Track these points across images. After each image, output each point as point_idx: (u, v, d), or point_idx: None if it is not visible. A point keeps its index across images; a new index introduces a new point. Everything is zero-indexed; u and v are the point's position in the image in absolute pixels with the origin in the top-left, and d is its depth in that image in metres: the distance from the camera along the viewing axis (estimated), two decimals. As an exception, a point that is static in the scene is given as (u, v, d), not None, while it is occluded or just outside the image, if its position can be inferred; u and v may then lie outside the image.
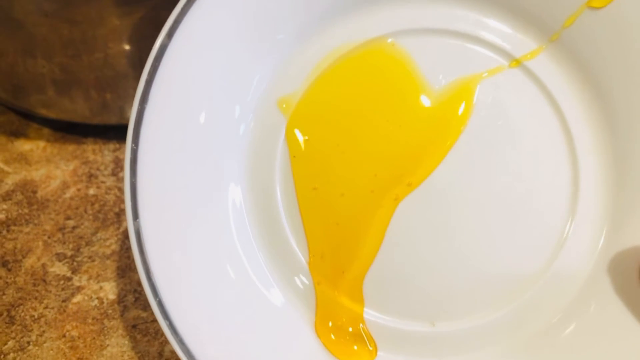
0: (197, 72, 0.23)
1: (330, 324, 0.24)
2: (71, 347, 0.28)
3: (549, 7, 0.24)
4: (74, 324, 0.29)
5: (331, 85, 0.25)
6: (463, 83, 0.25)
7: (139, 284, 0.30)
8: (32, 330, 0.29)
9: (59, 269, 0.31)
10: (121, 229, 0.32)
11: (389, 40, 0.25)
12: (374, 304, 0.24)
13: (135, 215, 0.21)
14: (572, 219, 0.24)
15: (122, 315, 0.29)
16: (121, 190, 0.33)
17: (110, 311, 0.29)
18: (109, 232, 0.32)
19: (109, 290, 0.30)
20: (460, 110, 0.24)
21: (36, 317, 0.29)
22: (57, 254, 0.31)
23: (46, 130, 0.36)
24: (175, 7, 0.22)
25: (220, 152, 0.24)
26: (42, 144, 0.35)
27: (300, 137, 0.25)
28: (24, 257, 0.31)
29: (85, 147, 0.35)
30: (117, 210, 0.33)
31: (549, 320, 0.24)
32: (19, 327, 0.29)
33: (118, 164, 0.34)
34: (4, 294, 0.30)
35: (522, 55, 0.25)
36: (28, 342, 0.28)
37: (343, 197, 0.24)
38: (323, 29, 0.25)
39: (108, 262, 0.31)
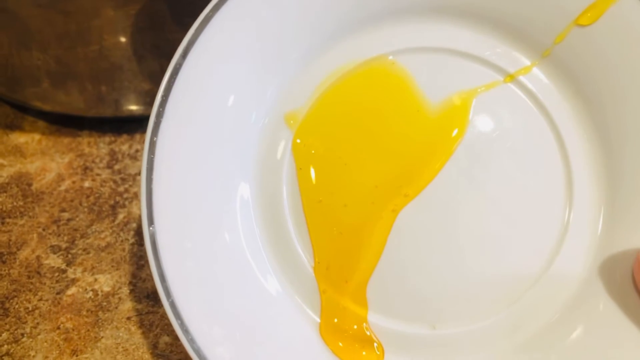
0: (209, 89, 0.24)
1: (335, 320, 0.25)
2: (65, 339, 0.28)
3: (540, 25, 0.25)
4: (69, 316, 0.29)
5: (335, 101, 0.26)
6: (460, 98, 0.26)
7: (134, 276, 0.30)
8: (26, 322, 0.29)
9: (54, 261, 0.31)
10: (116, 222, 0.32)
11: (390, 58, 0.26)
12: (376, 307, 0.25)
13: (151, 221, 0.22)
14: (566, 225, 0.25)
15: (116, 308, 0.29)
16: (116, 182, 0.33)
17: (104, 303, 0.29)
18: (104, 224, 0.32)
19: (104, 282, 0.30)
20: (458, 124, 0.26)
21: (30, 309, 0.29)
22: (52, 246, 0.31)
23: (41, 123, 0.36)
24: (190, 29, 0.23)
25: (231, 164, 0.25)
26: (37, 136, 0.35)
27: (305, 151, 0.26)
28: (18, 250, 0.31)
29: (80, 139, 0.35)
30: (112, 202, 0.33)
31: (547, 321, 0.24)
32: (13, 319, 0.29)
33: (113, 156, 0.34)
34: (-2, 286, 0.30)
35: (516, 70, 0.26)
36: (22, 334, 0.28)
37: (346, 208, 0.25)
38: (328, 48, 0.26)
39: (103, 254, 0.31)
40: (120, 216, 0.32)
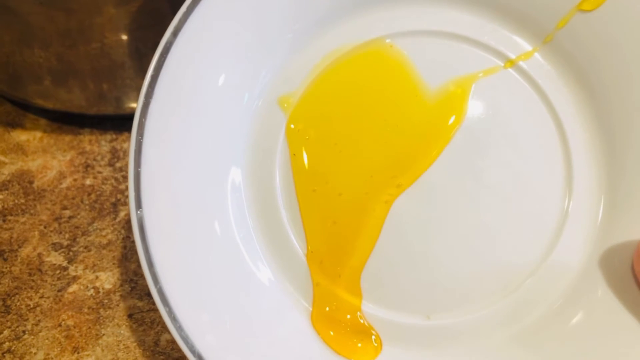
0: (200, 69, 0.23)
1: (327, 309, 0.25)
2: (67, 336, 0.28)
3: (542, 10, 0.25)
4: (70, 314, 0.29)
5: (331, 85, 0.25)
6: (459, 83, 0.25)
7: (135, 273, 0.30)
8: (27, 319, 0.29)
9: (55, 258, 0.31)
10: (117, 219, 0.32)
11: (388, 41, 0.25)
12: (370, 297, 0.25)
13: (139, 205, 0.22)
14: (565, 213, 0.25)
15: (117, 305, 0.29)
16: (118, 180, 0.33)
17: (106, 301, 0.29)
18: (105, 222, 0.32)
19: (105, 280, 0.30)
20: (456, 109, 0.25)
21: (32, 306, 0.29)
22: (53, 244, 0.31)
23: (43, 121, 0.36)
24: (181, 7, 0.22)
25: (222, 148, 0.25)
26: (38, 134, 0.35)
27: (299, 136, 0.25)
28: (20, 247, 0.31)
29: (81, 137, 0.35)
30: (113, 200, 0.33)
31: (544, 312, 0.24)
32: (15, 316, 0.29)
33: (115, 154, 0.34)
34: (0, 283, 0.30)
35: (517, 56, 0.25)
36: (24, 331, 0.28)
37: (341, 197, 0.25)
38: (325, 30, 0.25)
39: (104, 252, 0.31)
40: (122, 214, 0.32)
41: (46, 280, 0.30)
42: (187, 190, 0.23)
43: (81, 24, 0.30)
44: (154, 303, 0.29)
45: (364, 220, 0.25)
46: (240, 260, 0.24)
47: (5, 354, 0.28)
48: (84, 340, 0.28)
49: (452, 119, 0.25)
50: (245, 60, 0.24)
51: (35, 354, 0.28)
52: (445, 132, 0.25)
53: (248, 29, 0.24)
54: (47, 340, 0.28)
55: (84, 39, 0.31)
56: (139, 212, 0.22)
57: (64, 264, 0.30)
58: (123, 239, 0.31)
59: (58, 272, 0.30)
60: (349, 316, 0.24)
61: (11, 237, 0.31)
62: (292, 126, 0.25)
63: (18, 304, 0.29)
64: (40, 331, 0.28)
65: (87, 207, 0.32)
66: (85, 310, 0.29)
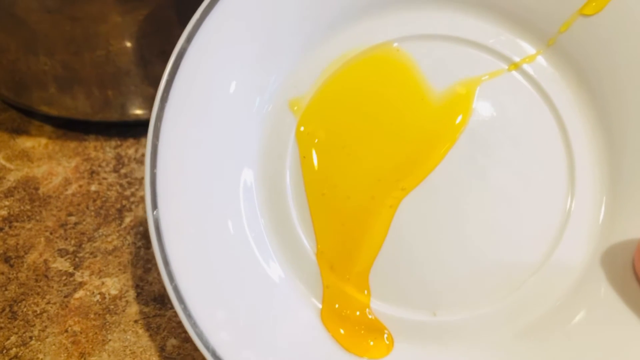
0: (213, 74, 0.24)
1: (336, 306, 0.25)
2: (73, 342, 0.28)
3: (545, 15, 0.25)
4: (76, 319, 0.29)
5: (339, 88, 0.26)
6: (464, 85, 0.26)
7: (141, 279, 0.30)
8: (34, 325, 0.29)
9: (61, 264, 0.31)
10: (123, 225, 0.32)
11: (395, 45, 0.26)
12: (378, 295, 0.25)
13: (155, 206, 0.22)
14: (568, 212, 0.25)
15: (124, 311, 0.29)
16: (123, 186, 0.33)
17: (112, 306, 0.29)
18: (110, 228, 0.32)
19: (111, 285, 0.30)
20: (461, 112, 0.26)
21: (38, 312, 0.29)
22: (59, 250, 0.31)
23: (48, 128, 0.36)
24: (195, 14, 0.23)
25: (234, 150, 0.25)
26: (43, 141, 0.36)
27: (309, 139, 0.26)
28: (26, 253, 0.31)
29: (86, 144, 0.35)
30: (118, 206, 0.33)
31: (548, 310, 0.24)
32: (22, 322, 0.29)
33: (119, 160, 0.34)
34: (6, 289, 0.30)
35: (521, 59, 0.26)
36: (30, 337, 0.28)
37: (349, 200, 0.25)
38: (333, 35, 0.26)
39: (110, 257, 0.31)
40: (127, 220, 0.32)
41: (52, 286, 0.30)
42: (201, 191, 0.24)
43: (87, 32, 0.30)
44: (160, 309, 0.29)
45: (371, 222, 0.25)
46: (252, 259, 0.25)
47: (12, 360, 0.28)
48: (90, 346, 0.28)
49: (458, 120, 0.25)
50: (257, 65, 0.25)
51: (42, 359, 0.28)
52: (450, 134, 0.25)
53: (260, 35, 0.25)
54: (53, 346, 0.28)
55: (90, 46, 0.31)
56: (155, 212, 0.22)
57: (70, 270, 0.31)
58: (129, 244, 0.31)
59: (64, 278, 0.30)
60: (358, 313, 0.25)
61: (17, 244, 0.32)
62: (302, 129, 0.26)
63: (25, 310, 0.29)
64: (47, 337, 0.28)
65: (92, 213, 0.33)
66: (92, 316, 0.29)
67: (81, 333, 0.29)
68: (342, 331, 0.25)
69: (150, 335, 0.29)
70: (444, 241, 0.25)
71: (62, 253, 0.31)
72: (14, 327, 0.29)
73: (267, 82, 0.25)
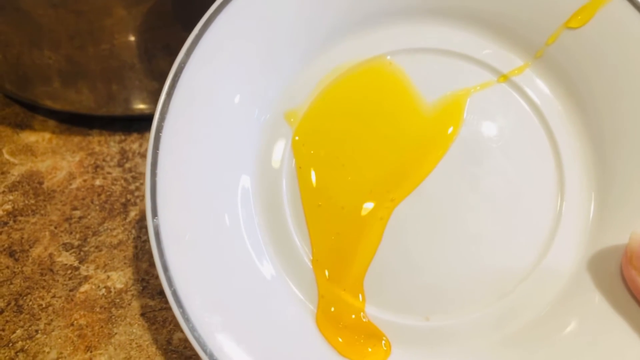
0: (212, 88, 0.25)
1: (332, 309, 0.25)
2: (79, 336, 0.28)
3: (533, 28, 0.26)
4: (82, 313, 0.29)
5: (333, 101, 0.27)
6: (455, 97, 0.26)
7: (147, 273, 0.30)
8: (40, 318, 0.29)
9: (66, 258, 0.31)
10: (128, 219, 0.32)
11: (388, 58, 0.27)
12: (372, 300, 0.25)
13: (155, 213, 0.23)
14: (558, 219, 0.26)
15: (129, 304, 0.29)
16: (127, 181, 0.33)
17: (117, 300, 0.29)
18: (115, 222, 0.32)
19: (116, 279, 0.30)
20: (452, 122, 0.26)
21: (44, 306, 0.29)
22: (64, 244, 0.31)
23: (51, 122, 0.36)
24: (194, 29, 0.24)
25: (233, 159, 0.26)
26: (47, 135, 0.35)
27: (305, 150, 0.26)
28: (31, 247, 0.31)
29: (90, 138, 0.35)
30: (123, 200, 0.33)
31: (538, 314, 0.25)
32: (27, 316, 0.29)
33: (124, 155, 0.34)
34: (11, 283, 0.30)
35: (510, 70, 0.27)
36: (36, 331, 0.28)
37: (343, 210, 0.26)
38: (328, 48, 0.27)
39: (115, 251, 0.31)
40: (132, 214, 0.32)
41: (58, 280, 0.30)
42: (200, 199, 0.24)
43: (91, 26, 0.30)
44: (165, 302, 0.29)
45: (365, 232, 0.26)
46: (249, 265, 0.25)
47: (18, 353, 0.28)
48: (96, 339, 0.28)
49: (449, 131, 0.26)
50: (255, 78, 0.26)
51: (48, 353, 0.28)
52: (442, 143, 0.26)
53: (258, 50, 0.25)
54: (59, 340, 0.28)
55: (94, 40, 0.31)
56: (155, 220, 0.23)
57: (75, 264, 0.31)
58: (134, 238, 0.31)
59: (69, 272, 0.30)
60: (353, 316, 0.25)
61: (22, 238, 0.32)
62: (297, 139, 0.26)
63: (30, 303, 0.29)
64: (52, 330, 0.28)
65: (97, 207, 0.33)
66: (97, 309, 0.29)
67: (87, 326, 0.29)
68: (340, 339, 0.25)
69: (157, 329, 0.29)
70: (436, 248, 0.25)
71: (67, 247, 0.31)
72: (20, 320, 0.29)
73: (264, 95, 0.26)
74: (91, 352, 0.28)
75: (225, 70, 0.25)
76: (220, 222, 0.25)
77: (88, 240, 0.31)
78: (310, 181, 0.26)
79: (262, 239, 0.26)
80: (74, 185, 0.33)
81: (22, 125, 0.36)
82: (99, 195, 0.33)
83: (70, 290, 0.30)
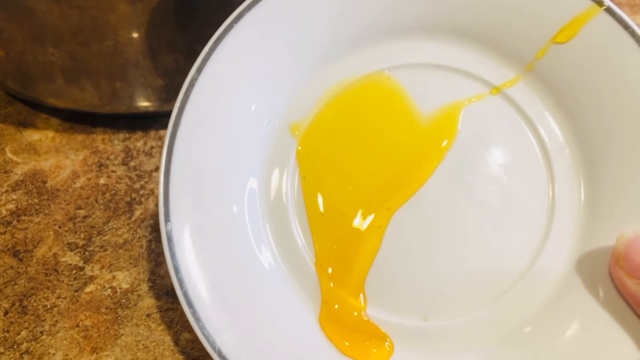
0: (221, 101, 0.26)
1: (336, 306, 0.26)
2: (85, 337, 0.28)
3: (523, 43, 0.28)
4: (87, 314, 0.29)
5: (335, 114, 0.28)
6: (450, 109, 0.28)
7: (153, 272, 0.30)
8: (45, 320, 0.28)
9: (71, 258, 0.30)
10: (133, 218, 0.32)
11: (386, 72, 0.28)
12: (373, 302, 0.27)
13: (167, 219, 0.24)
14: (550, 223, 0.27)
15: (135, 305, 0.29)
16: (132, 179, 0.33)
17: (123, 300, 0.29)
18: (120, 221, 0.32)
19: (122, 279, 0.30)
20: (447, 133, 0.28)
21: (49, 306, 0.29)
22: (69, 244, 0.31)
23: (55, 120, 0.36)
24: (205, 47, 0.26)
25: (240, 170, 0.27)
26: (50, 133, 0.35)
27: (308, 160, 0.28)
28: (35, 247, 0.31)
29: (94, 136, 0.35)
30: (128, 199, 0.32)
31: (532, 314, 0.26)
32: (32, 317, 0.29)
33: (128, 153, 0.34)
34: (15, 284, 0.30)
35: (502, 83, 0.28)
36: (41, 332, 0.28)
37: (344, 218, 0.27)
38: (330, 64, 0.28)
39: (120, 251, 0.31)
40: (137, 213, 0.32)
41: (62, 281, 0.30)
42: (210, 204, 0.26)
43: (95, 22, 0.30)
44: (172, 302, 0.29)
45: (364, 239, 0.27)
46: (258, 267, 0.26)
47: (23, 355, 0.27)
48: (102, 341, 0.28)
49: (444, 142, 0.28)
50: (262, 93, 0.27)
51: (53, 354, 0.27)
52: (437, 153, 0.28)
53: (262, 68, 0.27)
54: (65, 341, 0.28)
55: (98, 36, 0.31)
56: (167, 225, 0.24)
57: (80, 264, 0.30)
58: (139, 238, 0.31)
59: (74, 272, 0.30)
60: (355, 313, 0.26)
61: (26, 237, 0.31)
62: (301, 149, 0.28)
63: (35, 304, 0.29)
64: (58, 332, 0.28)
65: (101, 206, 0.32)
66: (103, 310, 0.29)
67: (93, 327, 0.28)
68: (346, 343, 0.26)
69: (163, 330, 0.28)
70: (434, 251, 0.27)
71: (72, 247, 0.31)
72: (25, 321, 0.28)
73: (270, 109, 0.28)
74: (97, 353, 0.27)
75: (234, 88, 0.26)
76: (228, 225, 0.26)
77: (93, 239, 0.31)
78: (313, 190, 0.27)
79: (268, 243, 0.27)
80: (78, 184, 0.33)
81: (25, 124, 0.36)
82: (104, 194, 0.33)
83: (76, 291, 0.29)
